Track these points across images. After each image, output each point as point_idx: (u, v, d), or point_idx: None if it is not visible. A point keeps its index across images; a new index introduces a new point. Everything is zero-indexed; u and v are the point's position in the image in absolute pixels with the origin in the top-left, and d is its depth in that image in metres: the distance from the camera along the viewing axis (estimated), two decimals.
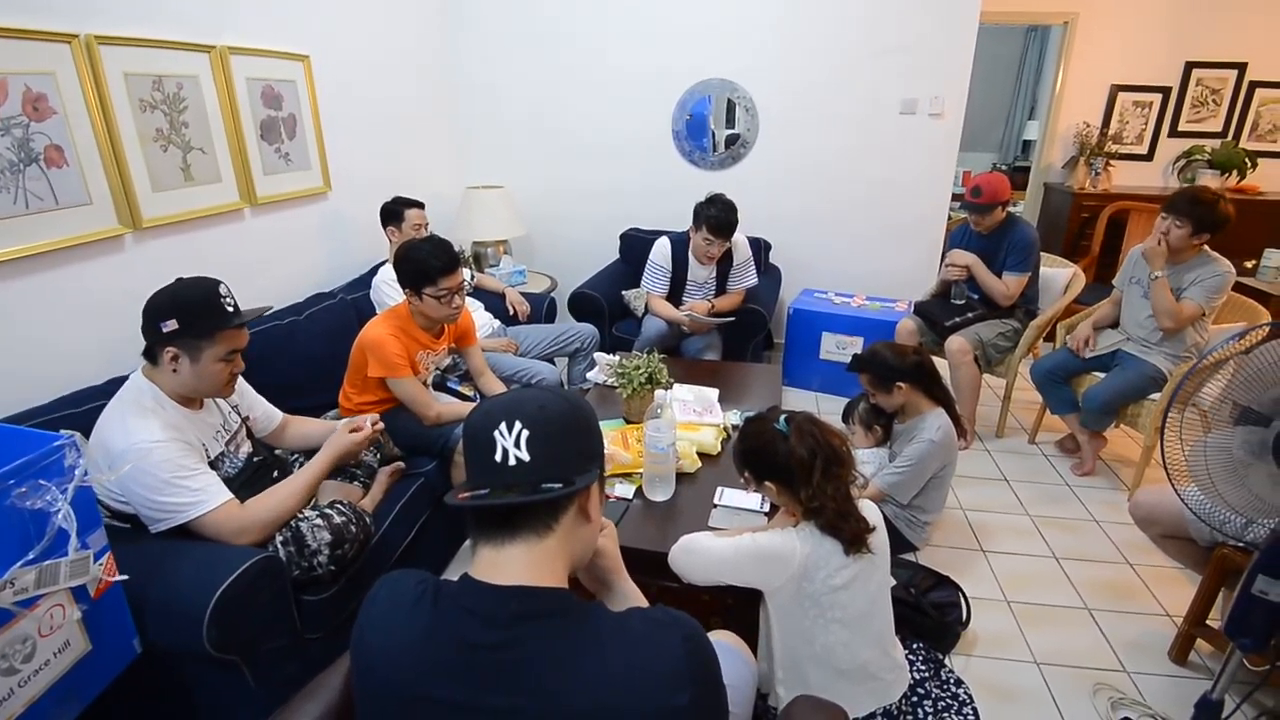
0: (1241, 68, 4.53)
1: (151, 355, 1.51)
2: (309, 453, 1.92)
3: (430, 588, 0.82)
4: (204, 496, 1.47)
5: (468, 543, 2.46)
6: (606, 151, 3.95)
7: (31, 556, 1.08)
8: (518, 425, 0.79)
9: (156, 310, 1.47)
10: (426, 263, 2.08)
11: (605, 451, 1.70)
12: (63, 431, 1.16)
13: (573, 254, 4.12)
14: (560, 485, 0.79)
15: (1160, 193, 2.61)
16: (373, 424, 1.84)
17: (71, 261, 1.88)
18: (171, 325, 1.46)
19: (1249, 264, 3.71)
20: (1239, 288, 2.88)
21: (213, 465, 1.57)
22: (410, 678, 0.77)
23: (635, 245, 3.72)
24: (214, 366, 1.52)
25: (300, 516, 1.61)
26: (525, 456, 0.79)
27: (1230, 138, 4.66)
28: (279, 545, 1.56)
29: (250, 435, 1.78)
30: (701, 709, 0.75)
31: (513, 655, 0.75)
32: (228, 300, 1.54)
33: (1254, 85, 4.57)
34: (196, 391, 1.57)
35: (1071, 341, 2.83)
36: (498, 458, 0.79)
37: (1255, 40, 4.47)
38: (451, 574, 1.67)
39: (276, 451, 1.92)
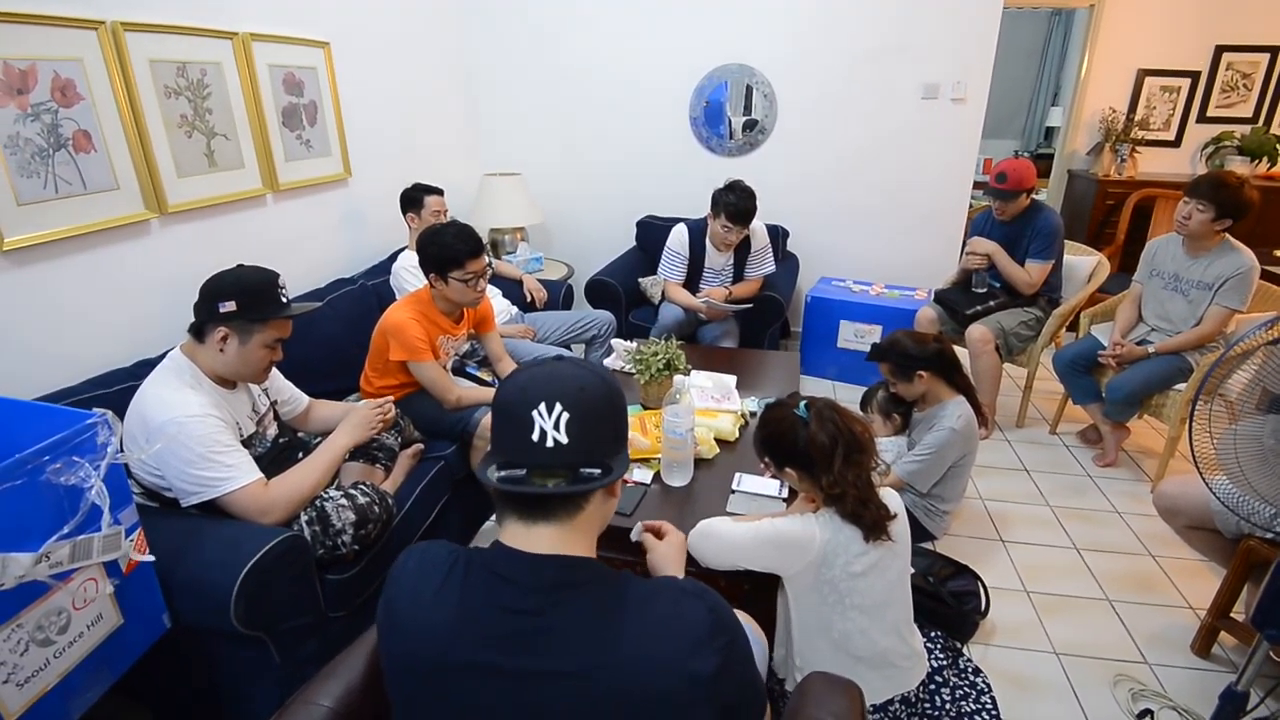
0: (1274, 51, 4.41)
1: (199, 333, 1.55)
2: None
3: (461, 557, 0.84)
4: (236, 473, 1.50)
5: (488, 523, 2.49)
6: (623, 138, 3.94)
7: (66, 531, 1.11)
8: (558, 408, 0.79)
9: (217, 291, 1.54)
10: (453, 246, 2.10)
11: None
12: (95, 410, 1.18)
13: (589, 241, 4.12)
14: (599, 472, 0.80)
15: (1188, 180, 2.55)
16: (379, 406, 1.90)
17: (99, 245, 1.91)
18: (229, 307, 1.52)
19: (1278, 252, 3.63)
20: (1268, 276, 2.83)
21: (245, 444, 1.61)
22: (446, 646, 0.78)
23: (652, 232, 3.71)
24: (259, 352, 1.59)
25: (325, 496, 1.63)
26: (564, 440, 0.78)
27: (1261, 123, 4.55)
28: (304, 525, 1.58)
29: (277, 418, 1.81)
30: (727, 677, 0.77)
31: (549, 622, 0.76)
32: (284, 291, 1.63)
33: None
34: (237, 374, 1.62)
35: (1113, 360, 2.70)
36: (535, 438, 0.78)
37: None
38: None
39: (300, 435, 1.95)
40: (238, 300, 1.53)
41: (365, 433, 1.84)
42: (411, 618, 0.81)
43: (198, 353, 1.57)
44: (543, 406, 0.79)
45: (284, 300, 1.62)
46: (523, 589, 0.78)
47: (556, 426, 0.78)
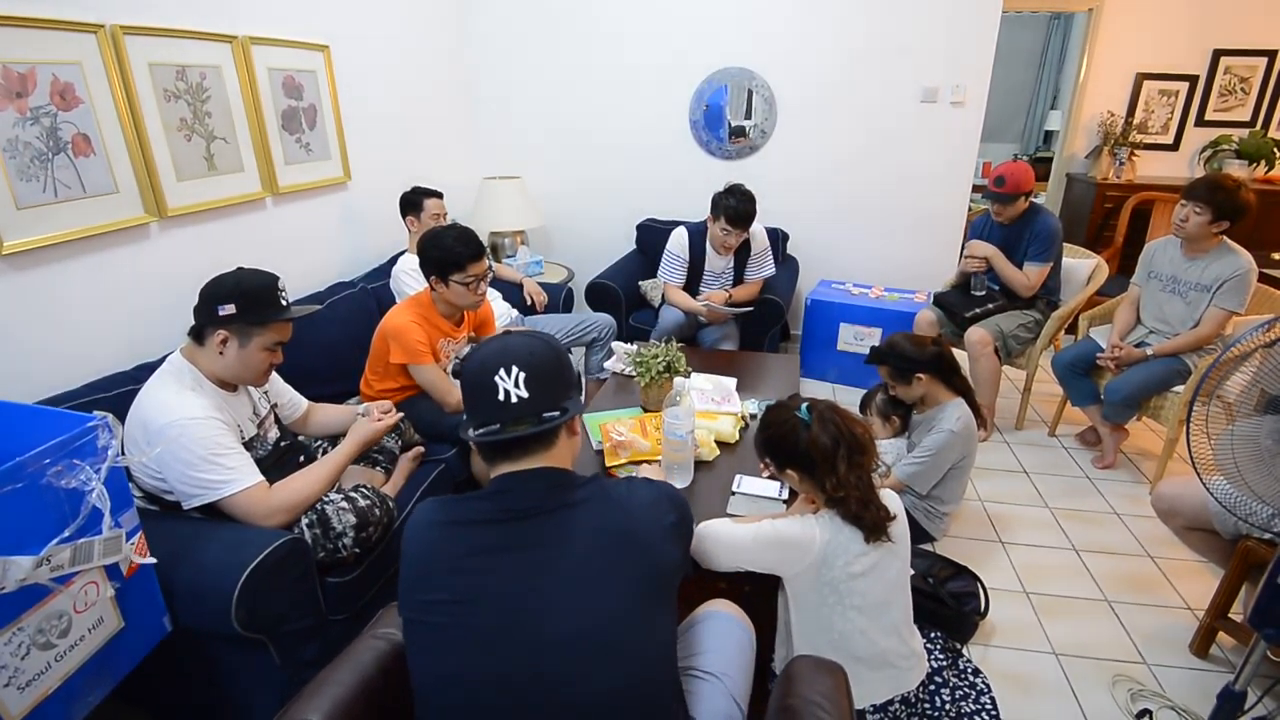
0: (1271, 55, 4.43)
1: (199, 336, 1.55)
2: (331, 439, 1.97)
3: (468, 495, 1.03)
4: (237, 475, 1.50)
5: None
6: (623, 142, 3.94)
7: (67, 534, 1.11)
8: (515, 369, 0.98)
9: (216, 294, 1.54)
10: (454, 250, 2.10)
11: (623, 439, 1.78)
12: (96, 413, 1.18)
13: (590, 244, 4.13)
14: (558, 413, 1.00)
15: (1186, 183, 2.56)
16: (383, 411, 1.91)
17: (99, 249, 1.91)
18: (229, 309, 1.53)
19: (1276, 255, 3.64)
20: (1265, 278, 2.83)
21: (246, 447, 1.61)
22: (463, 541, 0.97)
23: (652, 235, 3.71)
24: (259, 354, 1.59)
25: (326, 500, 1.63)
26: (525, 394, 0.97)
27: (1259, 127, 4.57)
28: (305, 528, 1.58)
29: (277, 421, 1.81)
30: (681, 525, 1.07)
31: (550, 506, 0.98)
32: (283, 294, 1.63)
33: None
34: (237, 377, 1.62)
35: (1112, 363, 2.71)
36: (500, 398, 0.97)
37: None
38: None
39: (300, 438, 1.95)
40: (237, 303, 1.53)
41: (373, 444, 1.86)
42: (425, 533, 1.00)
43: (198, 356, 1.57)
44: (502, 371, 0.97)
45: (284, 303, 1.61)
46: (522, 492, 0.99)
47: (517, 384, 0.97)
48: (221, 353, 1.55)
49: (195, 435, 1.45)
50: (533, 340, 1.03)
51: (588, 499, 1.00)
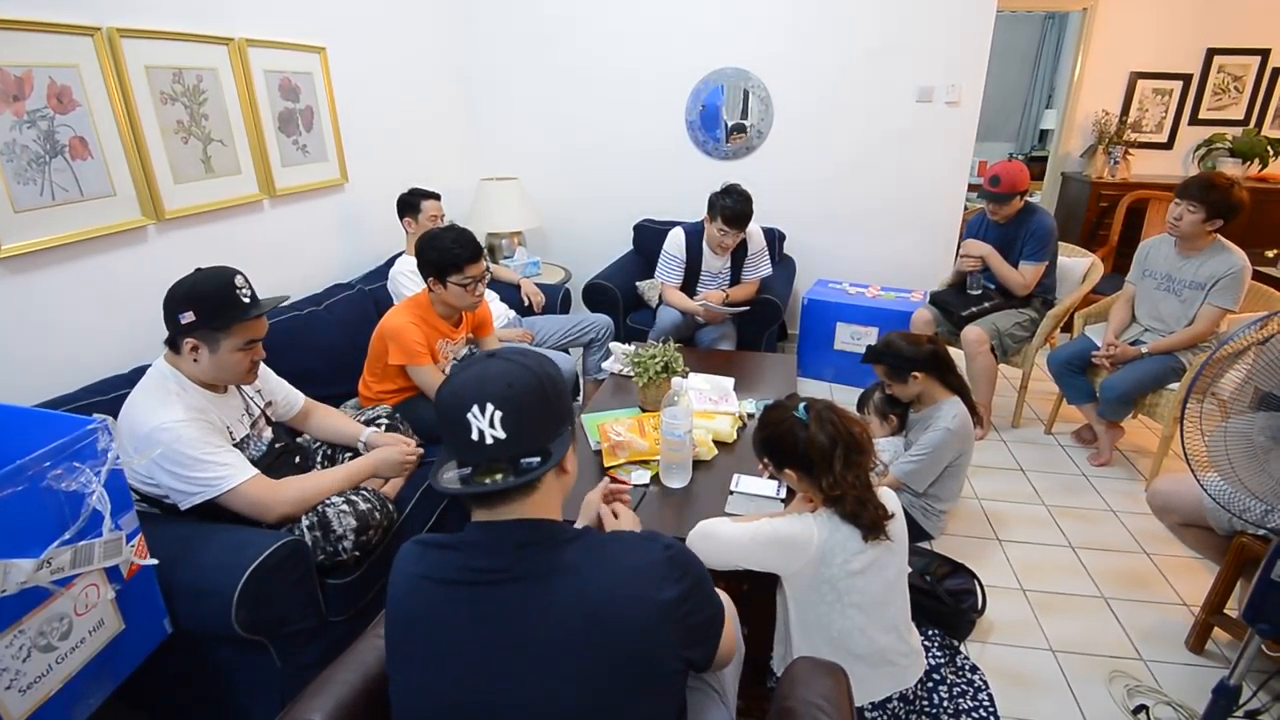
0: (1264, 54, 4.45)
1: (174, 344, 1.53)
2: (334, 445, 1.97)
3: (445, 539, 0.93)
4: (232, 470, 1.50)
5: None
6: (620, 142, 3.95)
7: (67, 537, 1.11)
8: (490, 406, 0.83)
9: (174, 302, 1.49)
10: (452, 251, 2.10)
11: (622, 439, 1.72)
12: (95, 416, 1.19)
13: (587, 245, 4.13)
14: (538, 460, 0.86)
15: (1180, 181, 2.58)
16: (410, 455, 1.86)
17: (97, 252, 1.91)
18: (189, 317, 1.48)
19: (1270, 253, 3.66)
20: (1260, 277, 2.85)
21: (238, 448, 1.60)
22: (429, 599, 0.88)
23: (649, 236, 3.72)
24: (233, 356, 1.54)
25: (327, 502, 1.63)
26: (501, 435, 0.84)
27: (1252, 125, 4.60)
28: (305, 529, 1.58)
29: (270, 421, 1.79)
30: (688, 600, 0.88)
31: (518, 575, 0.85)
32: (243, 291, 1.53)
33: (1277, 72, 4.50)
34: (219, 379, 1.60)
35: (1107, 361, 2.72)
36: (474, 437, 0.84)
37: (1279, 26, 4.39)
38: None
39: (299, 439, 1.95)
40: (195, 310, 1.48)
41: (393, 472, 1.83)
42: (404, 584, 0.91)
43: (179, 361, 1.55)
44: (475, 409, 0.83)
45: (244, 301, 1.53)
46: (492, 549, 0.87)
47: (492, 424, 0.83)
48: (196, 359, 1.52)
49: (184, 436, 1.45)
50: (514, 367, 0.88)
51: (565, 568, 0.86)
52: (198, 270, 1.55)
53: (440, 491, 0.88)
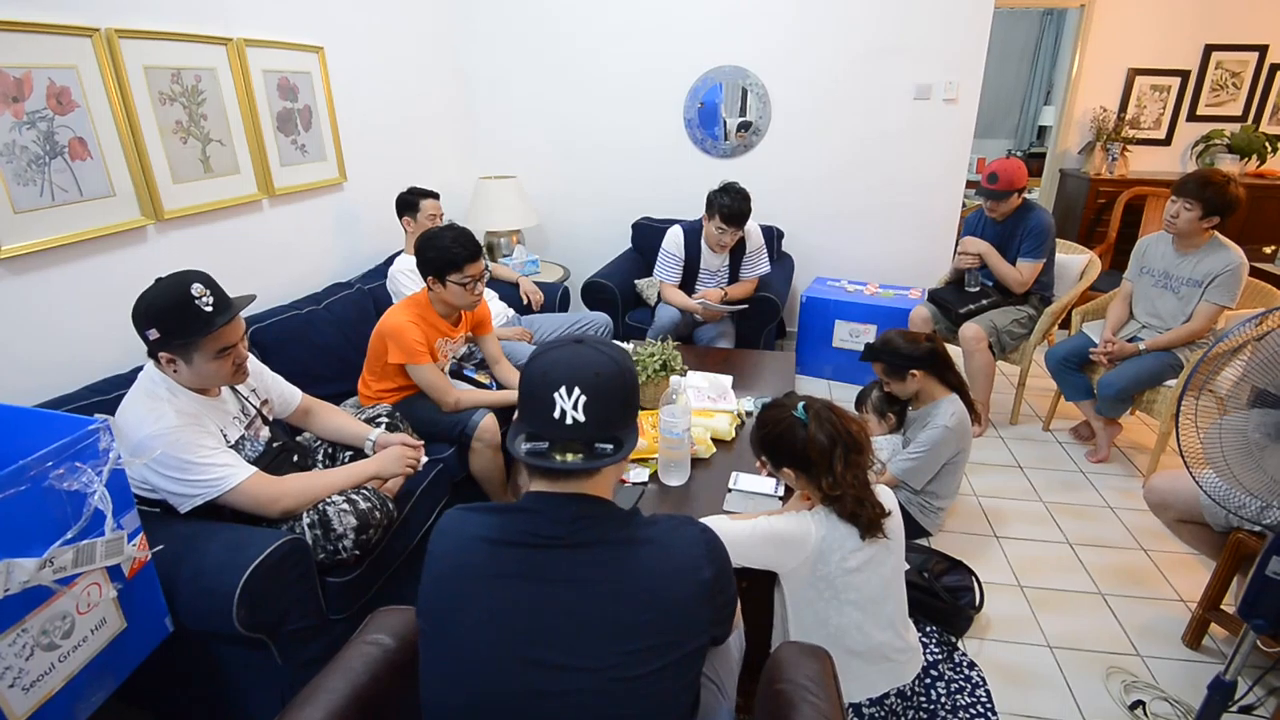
0: (1262, 50, 4.45)
1: (153, 357, 1.51)
2: (335, 444, 1.97)
3: (500, 505, 1.00)
4: (230, 471, 1.51)
5: None
6: (618, 141, 3.95)
7: (70, 536, 1.12)
8: (577, 390, 0.90)
9: (137, 319, 1.44)
10: (451, 250, 2.10)
11: None
12: (96, 416, 1.19)
13: (585, 243, 4.14)
14: (611, 447, 0.93)
15: (1178, 178, 2.59)
16: (417, 458, 1.86)
17: (96, 253, 1.91)
18: (154, 334, 1.44)
19: (1267, 249, 3.67)
20: (1257, 273, 2.86)
21: (234, 449, 1.60)
22: (487, 559, 0.92)
23: (647, 234, 3.73)
24: (210, 365, 1.50)
25: (327, 501, 1.63)
26: (581, 418, 0.90)
27: (1250, 122, 4.60)
28: (305, 528, 1.59)
29: (267, 420, 1.78)
30: (719, 582, 0.97)
31: (573, 541, 0.91)
32: (203, 301, 1.45)
33: (1275, 68, 4.50)
34: (205, 385, 1.57)
35: (1105, 358, 2.72)
36: (556, 415, 0.90)
37: (1277, 22, 4.39)
38: None
39: (299, 438, 1.95)
40: (157, 327, 1.43)
41: (397, 469, 1.82)
42: (455, 543, 0.96)
43: (164, 368, 1.52)
44: (563, 389, 0.90)
45: (205, 311, 1.45)
46: (550, 519, 0.92)
47: (575, 406, 0.90)
48: (175, 371, 1.49)
49: (177, 440, 1.44)
50: (603, 359, 0.94)
51: (617, 541, 0.93)
52: (156, 281, 1.47)
53: (516, 457, 0.93)
